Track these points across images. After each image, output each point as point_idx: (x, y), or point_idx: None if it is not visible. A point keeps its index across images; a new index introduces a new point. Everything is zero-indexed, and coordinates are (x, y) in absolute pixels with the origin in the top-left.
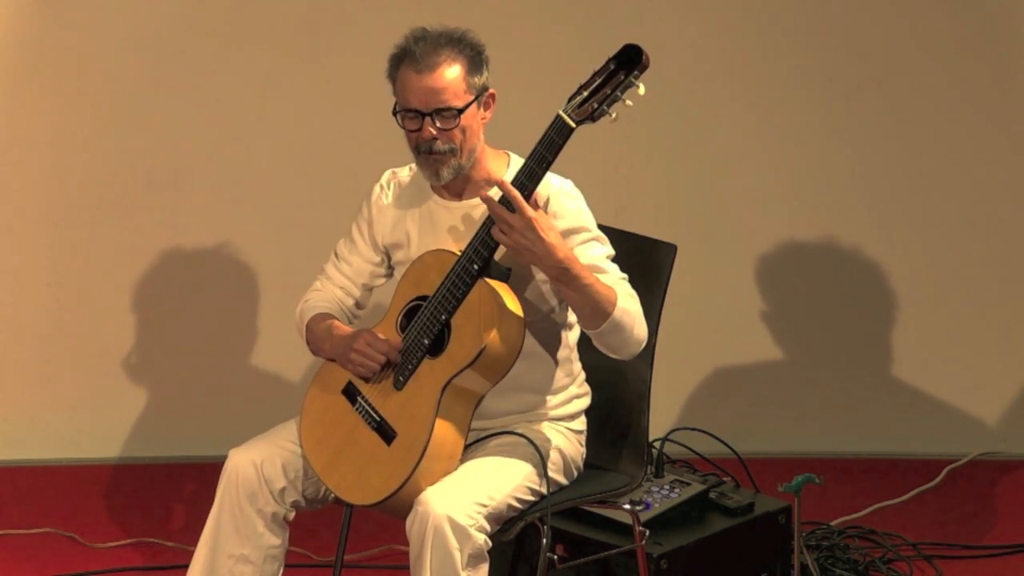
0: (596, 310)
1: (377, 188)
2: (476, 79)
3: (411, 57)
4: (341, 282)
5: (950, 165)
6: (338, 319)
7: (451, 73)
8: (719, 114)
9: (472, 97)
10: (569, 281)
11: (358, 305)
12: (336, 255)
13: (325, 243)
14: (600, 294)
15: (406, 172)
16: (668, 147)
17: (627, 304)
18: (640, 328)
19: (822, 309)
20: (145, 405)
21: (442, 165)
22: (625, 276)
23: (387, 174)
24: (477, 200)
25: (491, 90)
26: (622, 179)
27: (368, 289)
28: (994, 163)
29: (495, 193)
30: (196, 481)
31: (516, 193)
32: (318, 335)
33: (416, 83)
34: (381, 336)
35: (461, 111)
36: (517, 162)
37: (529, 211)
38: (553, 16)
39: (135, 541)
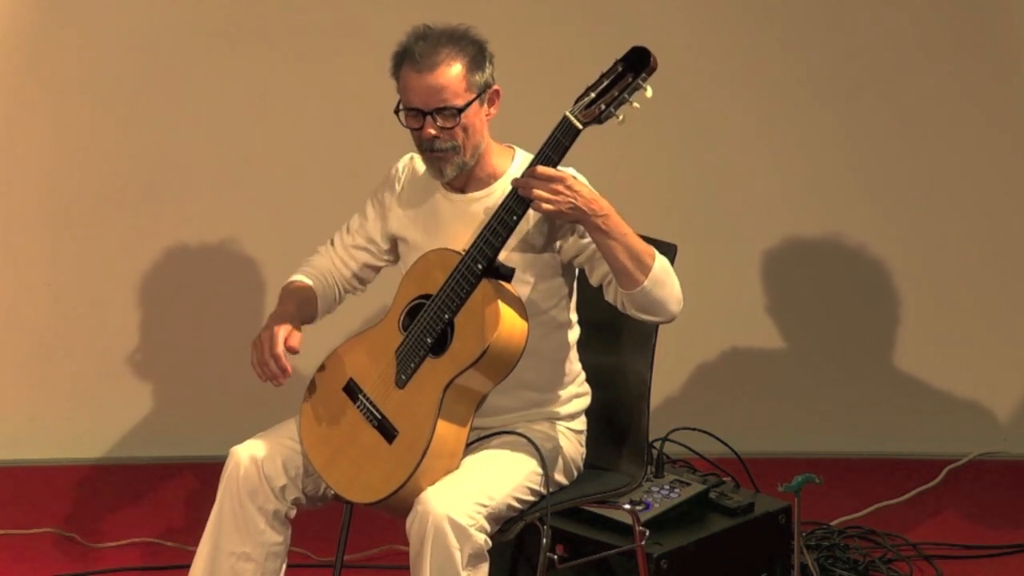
0: (639, 261)
1: (394, 170)
2: (478, 77)
3: (411, 56)
4: (339, 254)
5: (952, 164)
6: (314, 291)
7: (451, 72)
8: (720, 114)
9: (473, 95)
10: (612, 229)
11: (357, 278)
12: (347, 228)
13: (325, 243)
14: (640, 244)
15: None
16: (668, 147)
17: (663, 258)
18: (677, 284)
19: (822, 309)
20: (145, 405)
21: (445, 163)
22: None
23: (406, 158)
24: (479, 194)
25: (495, 86)
26: (622, 178)
27: (366, 267)
28: (996, 162)
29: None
30: (196, 481)
31: (543, 168)
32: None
33: (416, 82)
34: (276, 345)
35: (462, 110)
36: (522, 156)
37: (559, 173)
38: (556, 15)
39: (135, 541)
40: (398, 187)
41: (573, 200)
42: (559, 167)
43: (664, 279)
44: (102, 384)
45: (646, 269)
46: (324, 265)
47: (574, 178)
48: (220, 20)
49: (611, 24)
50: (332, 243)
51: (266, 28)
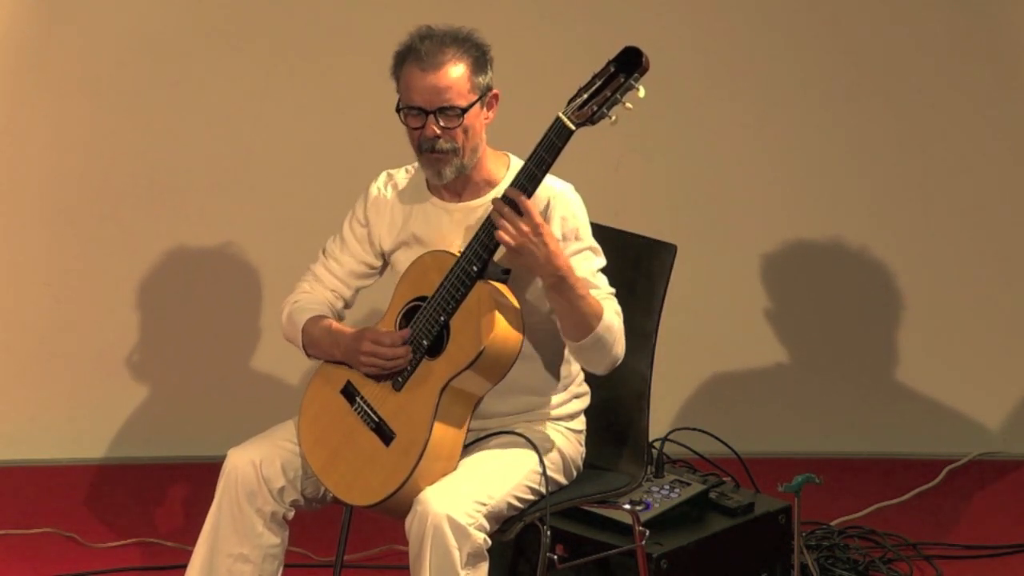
0: (581, 323)
1: (374, 189)
2: (480, 79)
3: (416, 55)
4: (332, 283)
5: (951, 166)
6: (333, 319)
7: (455, 72)
8: (719, 114)
9: (476, 97)
10: (563, 290)
11: (347, 305)
12: (325, 254)
13: (325, 243)
14: (589, 307)
15: (402, 174)
16: (668, 147)
17: (612, 321)
18: (619, 347)
19: (822, 309)
20: (145, 405)
21: (444, 164)
22: (613, 291)
23: (383, 176)
24: (477, 201)
25: (495, 90)
26: (622, 179)
27: (357, 291)
28: (995, 164)
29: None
30: (196, 481)
31: (526, 200)
32: (316, 338)
33: (420, 81)
34: (383, 330)
35: (465, 110)
36: (517, 164)
37: (537, 217)
38: (552, 16)
39: (135, 541)
40: (384, 204)
41: (534, 250)
42: (551, 178)
43: (603, 340)
44: (102, 384)
45: (586, 332)
46: (321, 299)
47: (546, 229)
48: (220, 20)
49: (607, 25)
50: (316, 275)
51: (266, 28)
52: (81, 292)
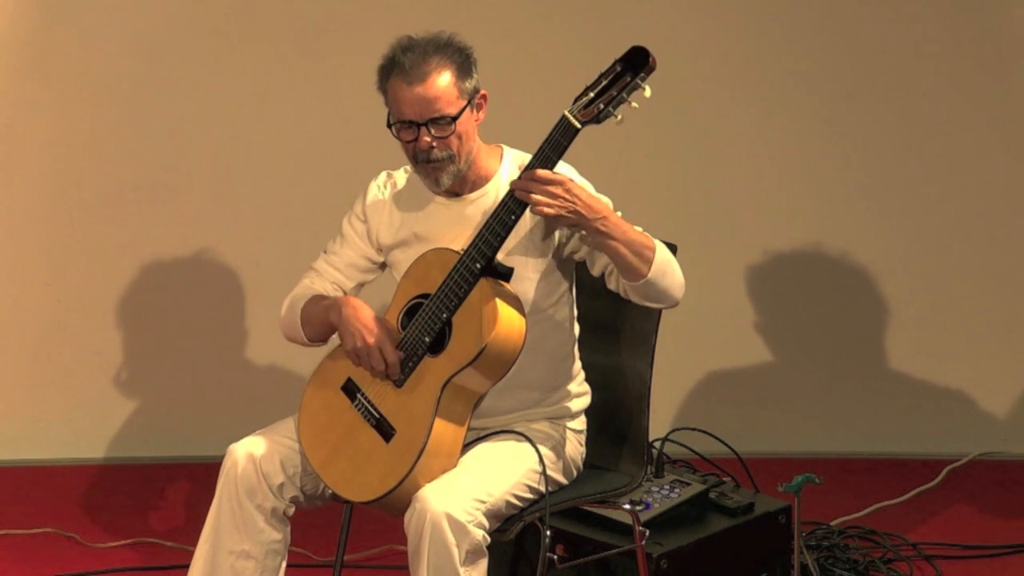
0: (640, 255)
1: (373, 188)
2: (467, 83)
3: (400, 68)
4: (332, 276)
5: (950, 166)
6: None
7: (442, 81)
8: (719, 114)
9: (465, 102)
10: (611, 230)
11: None
12: (326, 252)
13: (324, 243)
14: (639, 237)
15: (402, 174)
16: (668, 147)
17: (661, 245)
18: (678, 270)
19: (822, 309)
20: (145, 405)
21: (441, 172)
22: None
23: (383, 175)
24: (474, 195)
25: (482, 91)
26: (622, 179)
27: (359, 285)
28: (994, 164)
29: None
30: (196, 481)
31: (542, 170)
32: (310, 314)
33: (408, 94)
34: (391, 347)
35: (455, 118)
36: (510, 154)
37: (558, 175)
38: (555, 15)
39: (135, 541)
40: (383, 204)
41: (573, 204)
42: (557, 166)
43: (666, 268)
44: (102, 384)
45: (648, 262)
46: (321, 290)
47: (573, 181)
48: (220, 20)
49: (611, 24)
50: (317, 270)
51: (266, 28)
52: (81, 292)
